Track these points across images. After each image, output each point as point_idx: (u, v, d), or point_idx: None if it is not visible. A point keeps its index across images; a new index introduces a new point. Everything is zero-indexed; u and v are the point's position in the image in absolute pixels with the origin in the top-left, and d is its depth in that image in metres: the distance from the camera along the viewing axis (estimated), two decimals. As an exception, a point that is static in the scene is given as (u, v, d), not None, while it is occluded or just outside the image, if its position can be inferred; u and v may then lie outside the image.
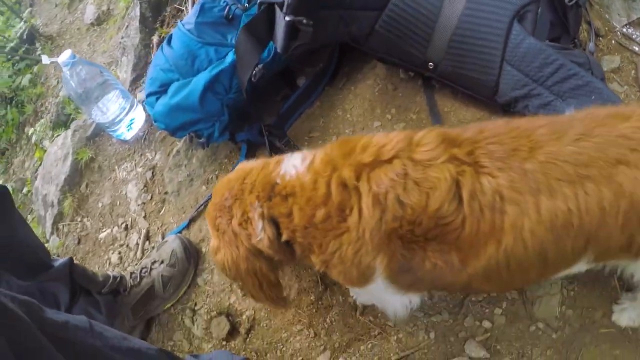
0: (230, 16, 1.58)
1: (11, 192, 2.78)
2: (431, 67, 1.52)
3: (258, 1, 1.37)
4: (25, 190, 2.89)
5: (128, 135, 2.33)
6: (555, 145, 0.82)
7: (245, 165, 1.12)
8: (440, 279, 0.91)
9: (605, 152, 0.80)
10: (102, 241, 2.23)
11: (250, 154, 1.80)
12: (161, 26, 2.66)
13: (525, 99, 1.43)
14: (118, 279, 1.75)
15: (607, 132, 0.82)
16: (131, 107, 2.30)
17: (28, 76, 3.76)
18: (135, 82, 2.57)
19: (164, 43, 1.73)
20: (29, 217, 2.87)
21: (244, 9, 1.58)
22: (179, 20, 2.27)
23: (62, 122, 2.98)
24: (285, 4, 1.24)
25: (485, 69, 1.45)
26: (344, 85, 1.79)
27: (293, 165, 0.99)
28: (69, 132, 2.53)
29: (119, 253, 2.13)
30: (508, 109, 1.50)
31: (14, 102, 3.89)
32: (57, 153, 2.53)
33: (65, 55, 2.10)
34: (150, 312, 1.81)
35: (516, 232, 0.81)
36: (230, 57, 1.55)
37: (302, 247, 0.98)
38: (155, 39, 2.61)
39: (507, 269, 0.85)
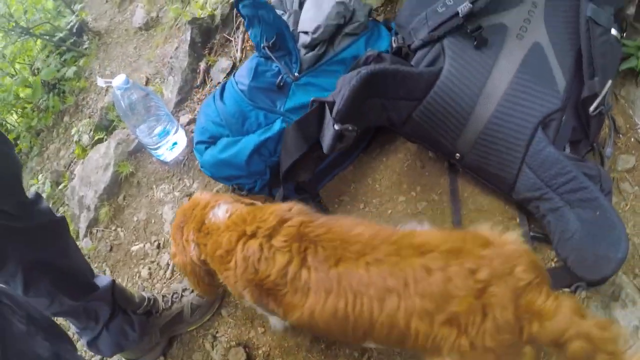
0: (282, 84, 1.74)
1: (47, 183, 2.99)
2: (458, 158, 1.68)
3: (311, 99, 1.53)
4: (61, 186, 3.08)
5: (169, 157, 2.51)
6: (355, 263, 1.15)
7: (196, 198, 1.51)
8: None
9: (385, 279, 1.10)
10: (133, 254, 2.42)
11: (283, 206, 1.96)
12: (209, 53, 2.84)
13: (538, 200, 1.58)
14: (152, 301, 1.94)
15: (399, 260, 1.12)
16: (174, 130, 2.48)
17: (73, 68, 3.95)
18: (180, 104, 2.74)
19: (217, 94, 1.90)
20: (61, 210, 3.08)
21: (295, 78, 1.74)
22: (231, 75, 2.46)
23: (104, 127, 3.17)
24: (335, 109, 1.40)
25: (506, 168, 1.61)
26: (377, 155, 1.95)
27: (219, 212, 1.40)
28: (112, 143, 2.72)
29: (149, 269, 2.32)
30: (521, 204, 1.66)
31: (56, 90, 4.09)
32: (99, 161, 2.72)
33: (119, 80, 2.27)
34: (175, 332, 2.01)
35: (311, 310, 1.19)
36: (277, 125, 1.73)
37: (212, 266, 1.43)
38: (202, 65, 2.78)
39: (316, 327, 1.23)
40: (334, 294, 1.15)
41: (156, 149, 2.48)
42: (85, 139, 3.31)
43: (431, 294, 1.06)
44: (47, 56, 4.21)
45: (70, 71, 3.92)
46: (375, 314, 1.12)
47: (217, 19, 2.89)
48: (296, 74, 1.75)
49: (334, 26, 1.77)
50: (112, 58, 3.94)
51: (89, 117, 3.66)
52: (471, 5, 1.57)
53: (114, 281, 1.83)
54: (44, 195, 3.05)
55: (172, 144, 2.48)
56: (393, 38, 1.78)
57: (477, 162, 1.66)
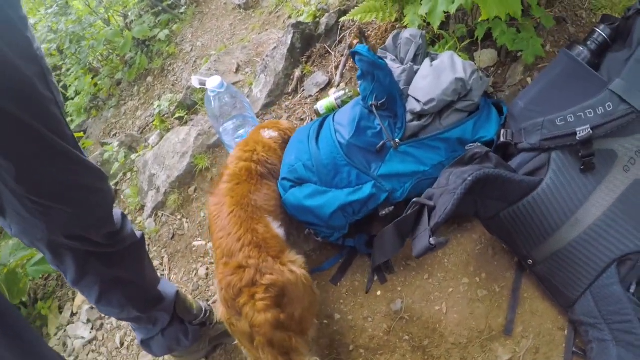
0: (380, 148, 1.76)
1: (122, 152, 3.11)
2: (530, 264, 1.69)
3: (413, 200, 1.54)
4: (135, 156, 3.19)
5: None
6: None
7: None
8: None
9: None
10: (194, 249, 2.52)
11: (349, 260, 2.02)
12: (306, 62, 2.85)
13: (589, 327, 1.58)
14: (208, 313, 2.04)
15: None
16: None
17: (166, 32, 4.04)
18: (267, 108, 2.78)
19: (312, 132, 1.92)
20: (129, 175, 3.21)
21: (396, 145, 1.75)
22: (332, 91, 2.48)
23: (186, 106, 3.25)
24: (435, 221, 1.41)
25: (571, 288, 1.61)
26: (453, 230, 1.95)
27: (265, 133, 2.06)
28: (193, 132, 2.79)
29: (207, 269, 2.41)
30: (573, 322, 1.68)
31: (146, 50, 4.19)
32: (177, 146, 2.80)
33: (214, 83, 2.31)
34: (223, 342, 2.11)
35: None
36: (367, 190, 1.74)
37: None
38: (297, 73, 2.80)
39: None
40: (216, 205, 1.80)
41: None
42: (165, 109, 3.41)
43: None
44: (141, 15, 4.30)
45: (162, 34, 4.01)
46: None
47: (321, 28, 2.89)
48: (397, 140, 1.76)
49: (448, 102, 1.76)
50: (206, 30, 4.00)
51: (172, 85, 3.76)
52: (591, 132, 1.54)
53: (178, 292, 1.92)
54: (117, 165, 3.18)
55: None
56: (502, 131, 1.76)
57: (546, 274, 1.66)
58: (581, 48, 1.82)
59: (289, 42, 2.85)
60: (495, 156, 1.68)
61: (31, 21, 4.42)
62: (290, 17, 3.45)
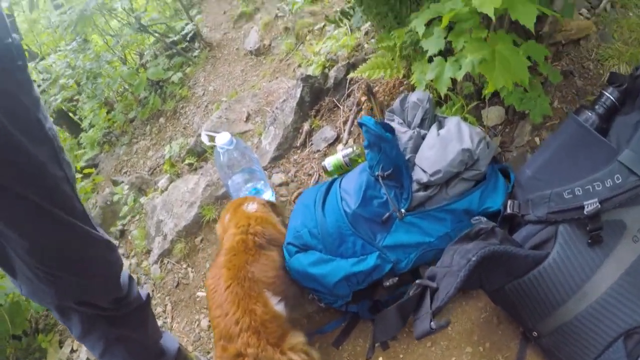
0: (386, 219, 1.77)
1: (131, 196, 3.13)
2: (535, 336, 1.66)
3: (416, 281, 1.55)
4: (144, 199, 3.22)
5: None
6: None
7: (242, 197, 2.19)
8: None
9: None
10: (198, 299, 2.52)
11: (352, 324, 2.00)
12: (315, 116, 2.88)
13: None
14: None
15: None
16: (265, 191, 2.55)
17: (179, 74, 4.12)
18: (275, 161, 2.81)
19: (319, 198, 1.93)
20: (137, 217, 3.22)
21: (401, 216, 1.76)
22: (339, 147, 2.50)
23: (196, 153, 3.29)
24: (437, 304, 1.40)
25: None
26: (458, 297, 1.93)
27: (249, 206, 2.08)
28: (202, 182, 2.81)
29: (209, 321, 2.41)
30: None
31: (159, 91, 4.26)
32: (185, 195, 2.82)
33: (223, 139, 2.33)
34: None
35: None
36: (372, 261, 1.74)
37: None
38: (306, 127, 2.83)
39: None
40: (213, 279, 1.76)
41: (243, 204, 2.56)
42: (176, 154, 3.45)
43: None
44: (156, 56, 4.39)
45: (176, 76, 4.08)
46: None
47: (330, 82, 2.93)
48: (403, 210, 1.77)
49: (454, 173, 1.77)
50: (218, 74, 4.07)
51: (184, 128, 3.81)
52: (599, 206, 1.53)
53: (179, 348, 1.93)
54: (126, 208, 3.20)
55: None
56: (509, 202, 1.76)
57: (552, 347, 1.63)
58: (589, 113, 1.81)
59: (298, 95, 2.89)
60: (500, 231, 1.67)
61: (51, 57, 4.52)
62: (300, 65, 3.51)
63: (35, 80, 4.88)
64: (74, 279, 1.38)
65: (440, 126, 1.93)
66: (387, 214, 1.76)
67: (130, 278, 1.66)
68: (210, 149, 3.18)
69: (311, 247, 1.85)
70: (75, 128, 5.32)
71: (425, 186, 1.80)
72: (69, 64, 4.38)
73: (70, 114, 5.33)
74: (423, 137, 1.92)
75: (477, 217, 1.75)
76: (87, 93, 4.37)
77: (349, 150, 2.45)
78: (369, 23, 3.29)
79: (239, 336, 1.55)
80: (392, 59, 2.43)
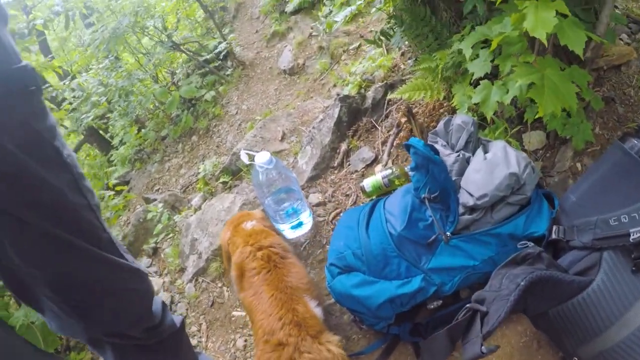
0: (431, 242, 1.79)
1: (165, 214, 3.19)
2: (575, 360, 1.67)
3: (466, 305, 1.56)
4: (177, 217, 3.29)
5: (290, 234, 2.62)
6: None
7: (245, 212, 2.37)
8: None
9: None
10: (233, 319, 2.55)
11: (392, 346, 2.01)
12: (353, 136, 2.92)
13: None
14: None
15: None
16: (303, 211, 2.59)
17: (212, 93, 4.20)
18: (312, 181, 2.85)
19: (362, 218, 1.96)
20: (171, 236, 3.28)
21: (447, 239, 1.78)
22: (377, 168, 2.54)
23: (231, 172, 3.34)
24: (487, 329, 1.42)
25: None
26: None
27: (247, 224, 2.24)
28: (238, 200, 2.87)
29: (245, 341, 2.42)
30: None
31: (192, 109, 4.35)
32: (221, 214, 2.87)
33: (263, 158, 2.36)
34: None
35: (244, 297, 1.95)
36: (416, 283, 1.76)
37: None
38: (343, 147, 2.88)
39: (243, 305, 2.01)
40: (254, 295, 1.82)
41: (279, 224, 2.60)
42: (209, 173, 3.51)
43: None
44: (188, 74, 4.50)
45: (209, 95, 4.17)
46: None
47: (368, 102, 2.98)
48: (449, 234, 1.79)
49: (500, 197, 1.78)
50: (252, 93, 4.15)
51: (217, 147, 3.87)
52: (645, 234, 1.54)
53: None
54: (160, 226, 3.27)
55: (297, 223, 2.58)
56: (554, 228, 1.77)
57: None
58: (635, 141, 1.80)
59: (336, 115, 2.94)
60: (547, 256, 1.68)
61: (83, 76, 4.65)
62: (335, 85, 3.56)
63: (66, 98, 5.04)
64: (104, 313, 1.35)
65: (485, 150, 1.95)
66: (433, 237, 1.78)
67: (164, 305, 1.65)
68: (245, 167, 3.23)
69: (354, 269, 1.88)
70: (105, 145, 5.46)
71: (470, 209, 1.82)
72: (101, 82, 4.51)
73: (101, 132, 5.47)
74: (468, 160, 1.94)
75: (523, 242, 1.77)
76: (119, 111, 4.48)
77: (388, 171, 2.48)
78: (406, 43, 3.35)
79: (282, 329, 1.66)
80: (433, 81, 2.46)
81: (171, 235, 3.27)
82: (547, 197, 1.94)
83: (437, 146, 2.03)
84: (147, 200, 3.83)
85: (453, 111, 2.55)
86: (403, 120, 2.60)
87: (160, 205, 3.31)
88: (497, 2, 1.75)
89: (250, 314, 1.85)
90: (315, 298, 1.88)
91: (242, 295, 1.92)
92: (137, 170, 4.50)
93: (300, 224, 2.59)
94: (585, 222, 1.73)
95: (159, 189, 4.01)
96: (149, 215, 3.23)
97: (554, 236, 1.80)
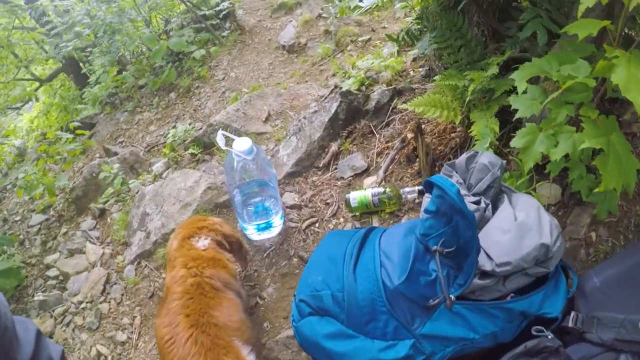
0: (431, 306, 1.37)
1: (119, 177, 2.68)
2: None
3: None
4: (132, 182, 2.78)
5: (254, 237, 2.17)
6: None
7: (202, 218, 1.87)
8: None
9: None
10: (171, 317, 2.09)
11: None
12: (346, 138, 2.46)
13: None
14: None
15: None
16: (274, 213, 2.13)
17: (202, 51, 3.65)
18: (291, 177, 2.38)
19: (351, 253, 1.51)
20: (122, 206, 2.77)
21: (450, 304, 1.36)
22: (367, 181, 2.09)
23: (202, 144, 2.84)
24: None
25: None
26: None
27: (199, 242, 1.73)
28: (203, 183, 2.37)
29: None
30: None
31: (177, 63, 3.80)
32: (181, 193, 2.38)
33: (243, 146, 1.88)
34: None
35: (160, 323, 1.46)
36: (404, 349, 1.33)
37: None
38: (334, 147, 2.41)
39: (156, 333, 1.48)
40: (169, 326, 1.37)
41: (245, 222, 2.13)
42: (179, 139, 3.00)
43: None
44: (182, 25, 3.93)
45: (198, 53, 3.62)
46: None
47: (371, 104, 2.51)
48: (453, 297, 1.37)
49: (523, 268, 1.38)
50: (244, 62, 3.63)
51: (194, 110, 3.35)
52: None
53: None
54: (110, 190, 2.76)
55: (264, 224, 2.13)
56: (572, 314, 1.40)
57: None
58: None
59: (333, 110, 2.47)
60: (564, 352, 1.33)
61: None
62: (334, 75, 3.09)
63: (51, 21, 4.40)
64: None
65: (510, 201, 1.55)
66: (436, 300, 1.36)
67: (38, 336, 1.18)
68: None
69: (331, 314, 1.44)
70: (82, 80, 4.83)
71: (483, 273, 1.41)
72: (89, 13, 3.89)
73: (81, 65, 4.84)
74: (486, 210, 1.53)
75: (539, 328, 1.40)
76: (101, 47, 3.89)
77: (380, 189, 2.05)
78: (416, 50, 2.90)
79: None
80: (451, 100, 2.04)
81: (122, 200, 2.77)
82: (564, 270, 1.55)
83: (452, 181, 1.61)
84: (108, 152, 3.30)
85: (465, 140, 2.13)
86: (409, 136, 2.17)
87: (117, 165, 2.79)
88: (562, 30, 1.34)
89: (163, 355, 1.36)
90: (247, 342, 1.45)
91: (157, 323, 1.46)
92: (105, 115, 3.93)
93: (268, 226, 2.13)
94: (610, 318, 1.42)
95: (123, 141, 3.47)
96: (102, 175, 2.71)
97: (570, 325, 1.46)
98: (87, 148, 3.53)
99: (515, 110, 1.45)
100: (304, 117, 2.56)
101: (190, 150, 2.79)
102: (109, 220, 2.75)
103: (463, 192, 1.58)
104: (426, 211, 1.41)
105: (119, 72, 4.02)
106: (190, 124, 3.14)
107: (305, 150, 2.41)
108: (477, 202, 1.54)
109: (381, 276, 1.41)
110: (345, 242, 1.59)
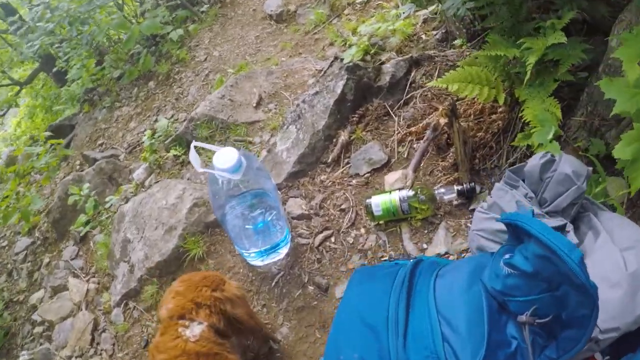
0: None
1: (91, 201, 2.09)
2: None
3: None
4: (110, 199, 2.18)
5: (257, 262, 1.58)
6: None
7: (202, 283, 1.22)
8: None
9: None
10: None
11: None
12: (357, 123, 1.84)
13: None
14: None
15: None
16: (276, 226, 1.53)
17: (180, 31, 2.98)
18: (294, 179, 1.77)
19: (399, 319, 0.94)
20: (104, 218, 2.18)
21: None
22: (389, 177, 1.47)
23: (185, 142, 2.22)
24: None
25: None
26: None
27: (186, 330, 1.08)
28: (188, 197, 1.76)
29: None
30: None
31: (154, 48, 3.13)
32: (163, 213, 1.77)
33: (225, 163, 1.26)
34: None
35: None
36: None
37: None
38: (343, 136, 1.79)
39: None
40: None
41: (245, 247, 1.54)
42: (161, 137, 2.38)
43: None
44: (158, 4, 3.22)
45: (175, 33, 2.95)
46: None
47: (385, 79, 1.87)
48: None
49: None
50: (227, 38, 2.95)
51: (176, 99, 2.72)
52: None
53: None
54: (83, 218, 2.18)
55: (269, 247, 1.54)
56: None
57: None
58: None
59: (339, 90, 1.84)
60: None
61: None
62: (331, 44, 2.43)
63: (16, 21, 3.69)
64: None
65: (601, 226, 0.96)
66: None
67: None
68: (205, 140, 2.12)
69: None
70: (62, 77, 4.14)
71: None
72: (49, 5, 3.19)
73: (59, 61, 4.14)
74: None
75: None
76: (69, 42, 3.22)
77: (411, 193, 1.46)
78: (428, 10, 2.22)
79: None
80: (494, 76, 1.41)
81: (101, 224, 2.18)
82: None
83: (516, 193, 1.01)
84: (87, 159, 2.70)
85: (509, 122, 1.50)
86: (442, 122, 1.54)
87: (87, 185, 2.17)
88: None
89: None
90: None
91: None
92: (84, 114, 3.30)
93: (276, 247, 1.54)
94: None
95: (103, 143, 2.86)
96: (71, 200, 2.10)
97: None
98: (63, 159, 2.91)
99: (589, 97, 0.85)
100: (303, 101, 1.92)
101: (173, 152, 2.17)
102: (91, 244, 2.18)
103: (534, 209, 0.98)
104: (510, 265, 0.81)
105: (99, 64, 3.36)
106: (172, 117, 2.52)
107: (308, 142, 1.79)
108: (561, 228, 0.94)
109: (445, 353, 0.83)
110: (385, 293, 1.01)
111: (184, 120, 2.31)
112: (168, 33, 2.98)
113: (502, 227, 0.96)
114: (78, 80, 3.42)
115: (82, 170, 2.55)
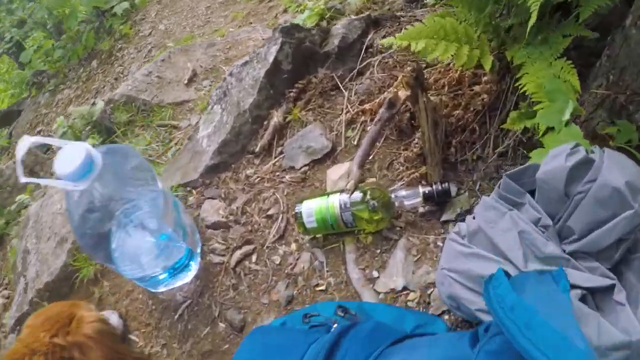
0: None
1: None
2: None
3: None
4: (20, 198, 1.78)
5: (159, 288, 1.17)
6: None
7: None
8: None
9: None
10: None
11: None
12: (296, 100, 1.39)
13: None
14: None
15: None
16: (177, 245, 1.11)
17: (125, 4, 2.53)
18: (212, 174, 1.33)
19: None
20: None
21: None
22: (332, 172, 1.04)
23: (104, 128, 1.80)
24: None
25: None
26: None
27: None
28: (84, 200, 1.35)
29: None
30: None
31: (98, 25, 2.69)
32: (57, 221, 1.36)
33: (67, 166, 0.84)
34: None
35: None
36: None
37: None
38: (275, 118, 1.35)
39: None
40: None
41: (144, 272, 1.11)
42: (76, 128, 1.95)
43: None
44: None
45: (119, 7, 2.50)
46: None
47: (333, 43, 1.41)
48: None
49: None
50: (176, 10, 2.51)
51: (115, 79, 2.31)
52: None
53: None
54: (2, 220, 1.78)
55: (169, 270, 1.11)
56: None
57: None
58: None
59: (272, 57, 1.38)
60: None
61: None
62: (285, 10, 1.99)
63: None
64: None
65: None
66: None
67: None
68: (124, 125, 1.69)
69: None
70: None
71: None
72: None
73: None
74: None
75: None
76: (3, 24, 2.81)
77: (357, 195, 1.02)
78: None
79: None
80: (478, 32, 0.96)
81: (16, 224, 1.78)
82: None
83: (520, 220, 0.57)
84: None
85: (498, 97, 1.05)
86: (402, 95, 1.08)
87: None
88: None
89: None
90: None
91: None
92: (31, 99, 2.89)
93: (179, 268, 1.12)
94: None
95: (42, 130, 2.45)
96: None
97: None
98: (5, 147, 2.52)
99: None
100: (230, 74, 1.48)
101: (90, 141, 1.75)
102: (8, 248, 1.78)
103: (550, 248, 0.53)
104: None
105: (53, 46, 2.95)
106: (110, 96, 2.09)
107: (231, 126, 1.35)
108: (605, 290, 0.51)
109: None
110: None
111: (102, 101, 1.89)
112: (112, 7, 2.53)
113: (491, 270, 0.52)
114: (28, 63, 3.02)
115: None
